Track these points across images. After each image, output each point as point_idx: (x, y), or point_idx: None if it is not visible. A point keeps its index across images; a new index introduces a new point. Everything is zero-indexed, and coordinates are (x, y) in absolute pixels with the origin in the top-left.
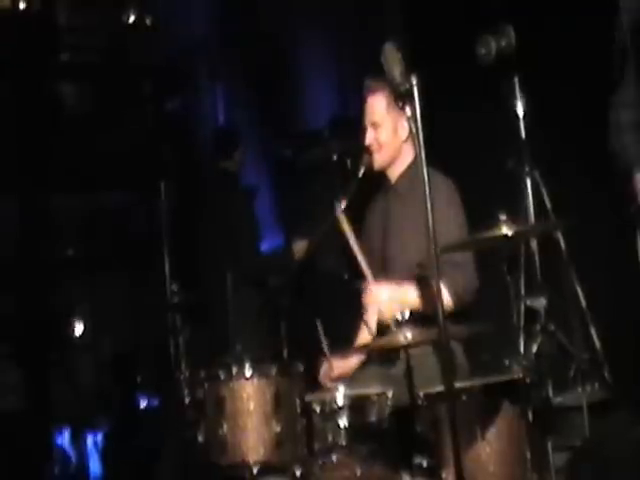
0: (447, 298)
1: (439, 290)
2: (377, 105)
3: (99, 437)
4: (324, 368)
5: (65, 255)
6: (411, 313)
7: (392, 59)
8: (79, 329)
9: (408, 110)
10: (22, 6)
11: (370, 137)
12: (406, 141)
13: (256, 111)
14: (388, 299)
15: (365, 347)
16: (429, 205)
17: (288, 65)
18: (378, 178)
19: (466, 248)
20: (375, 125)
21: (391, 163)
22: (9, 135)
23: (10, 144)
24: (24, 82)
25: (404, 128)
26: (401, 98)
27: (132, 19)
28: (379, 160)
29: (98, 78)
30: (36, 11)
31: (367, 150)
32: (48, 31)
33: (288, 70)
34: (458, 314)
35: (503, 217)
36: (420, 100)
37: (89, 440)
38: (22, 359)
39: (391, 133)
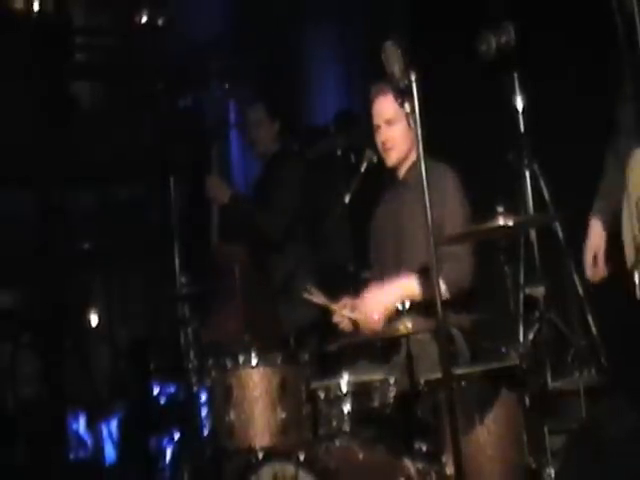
0: (444, 288)
1: (438, 279)
2: (389, 103)
3: (114, 423)
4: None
5: (81, 248)
6: (411, 303)
7: (392, 56)
8: (94, 319)
9: (407, 106)
10: (36, 7)
11: (385, 134)
12: None
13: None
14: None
15: (367, 336)
16: (427, 198)
17: (296, 61)
18: (383, 173)
19: (466, 239)
20: (389, 122)
21: (404, 159)
22: (25, 132)
23: (26, 141)
24: (39, 81)
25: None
26: (401, 94)
27: (144, 19)
28: (395, 156)
29: (112, 77)
30: (49, 12)
31: (383, 147)
32: (61, 32)
33: (296, 66)
34: (459, 303)
35: (500, 209)
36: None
37: (104, 426)
38: (40, 348)
39: (405, 128)
